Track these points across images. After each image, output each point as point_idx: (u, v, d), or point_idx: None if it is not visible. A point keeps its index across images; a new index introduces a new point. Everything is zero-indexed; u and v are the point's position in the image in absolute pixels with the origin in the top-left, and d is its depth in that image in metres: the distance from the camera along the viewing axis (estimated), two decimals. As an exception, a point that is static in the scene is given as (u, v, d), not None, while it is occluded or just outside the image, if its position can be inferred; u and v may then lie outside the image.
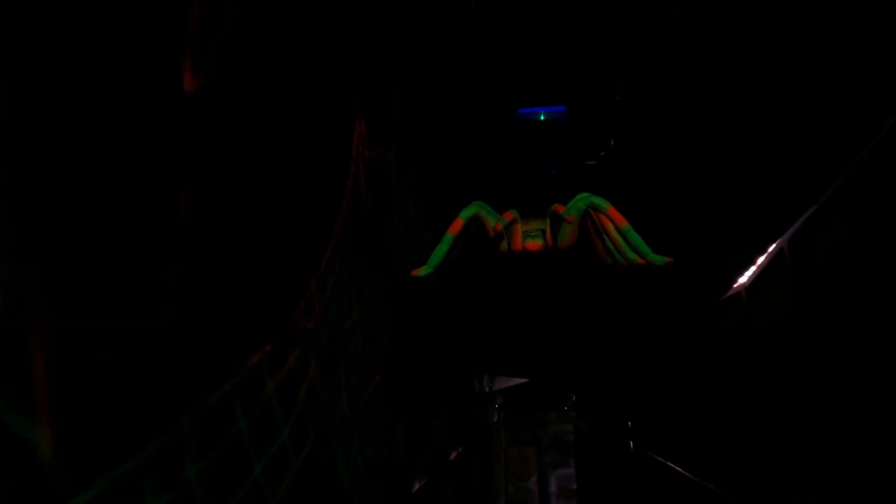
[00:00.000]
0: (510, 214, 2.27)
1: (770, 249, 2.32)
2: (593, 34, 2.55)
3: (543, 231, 2.32)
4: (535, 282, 2.68)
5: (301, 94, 1.91)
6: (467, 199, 2.42)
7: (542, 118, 2.73)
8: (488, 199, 2.40)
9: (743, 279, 2.52)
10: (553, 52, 2.60)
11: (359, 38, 2.26)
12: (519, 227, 2.30)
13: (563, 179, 2.85)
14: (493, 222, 2.31)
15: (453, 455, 3.41)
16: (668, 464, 3.04)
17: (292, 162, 1.83)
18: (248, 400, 1.45)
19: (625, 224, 2.24)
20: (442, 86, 2.70)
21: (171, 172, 1.29)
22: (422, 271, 2.21)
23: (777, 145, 2.43)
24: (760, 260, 2.39)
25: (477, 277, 2.59)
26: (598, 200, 2.26)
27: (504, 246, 2.34)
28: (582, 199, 2.27)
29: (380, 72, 2.47)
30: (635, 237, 2.22)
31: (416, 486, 2.66)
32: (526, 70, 2.58)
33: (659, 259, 2.17)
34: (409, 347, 2.68)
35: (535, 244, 2.30)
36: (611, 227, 2.27)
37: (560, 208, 2.20)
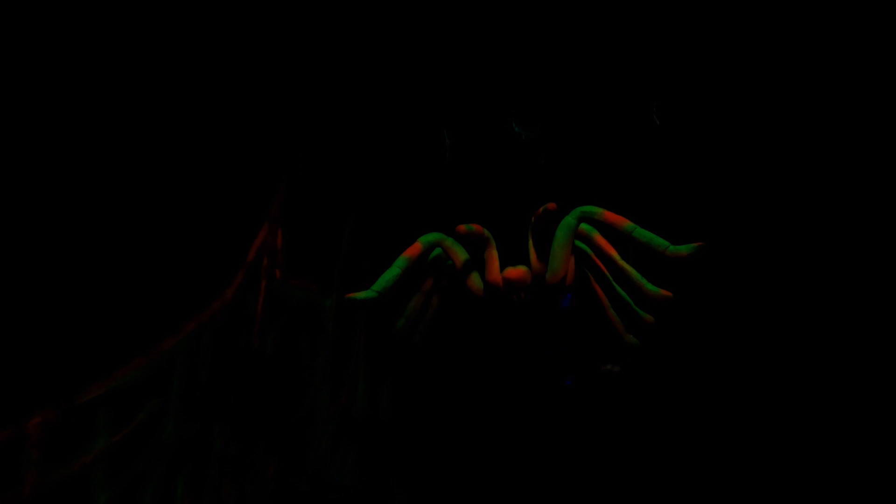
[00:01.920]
0: (480, 228, 1.92)
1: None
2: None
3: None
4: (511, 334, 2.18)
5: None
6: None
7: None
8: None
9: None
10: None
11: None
12: (495, 253, 1.95)
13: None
14: (461, 255, 1.99)
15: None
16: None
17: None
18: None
19: (627, 223, 1.94)
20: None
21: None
22: (361, 295, 1.93)
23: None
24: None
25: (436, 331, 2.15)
26: (590, 208, 1.98)
27: (475, 281, 1.98)
28: (571, 214, 1.98)
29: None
30: (644, 233, 1.91)
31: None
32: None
33: (685, 248, 1.85)
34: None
35: (516, 271, 1.94)
36: (615, 255, 1.98)
37: (551, 207, 1.84)
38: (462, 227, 1.91)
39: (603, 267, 2.04)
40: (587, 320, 2.18)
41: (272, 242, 2.36)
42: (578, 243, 2.04)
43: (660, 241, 1.90)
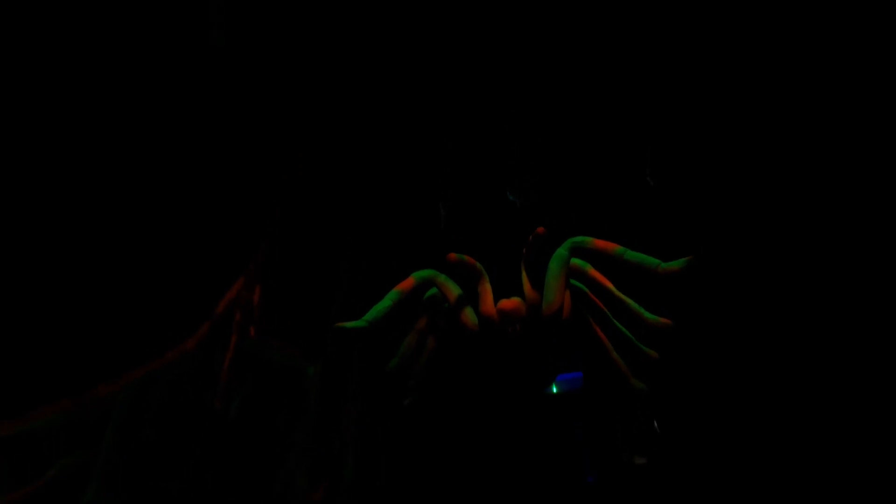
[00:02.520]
0: (472, 260, 1.96)
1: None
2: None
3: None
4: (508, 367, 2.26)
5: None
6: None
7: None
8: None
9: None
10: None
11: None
12: (488, 286, 1.98)
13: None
14: (454, 290, 2.00)
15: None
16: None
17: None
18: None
19: (617, 247, 2.02)
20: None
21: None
22: (350, 324, 1.86)
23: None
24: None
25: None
26: (580, 238, 2.06)
27: (469, 316, 1.98)
28: (563, 246, 2.03)
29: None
30: (635, 255, 1.98)
31: None
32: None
33: (677, 264, 1.91)
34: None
35: (511, 302, 1.98)
36: (611, 286, 2.03)
37: (540, 231, 1.92)
38: (453, 255, 1.93)
39: (600, 303, 2.08)
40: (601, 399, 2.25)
41: (247, 297, 2.02)
42: (574, 282, 2.08)
43: (651, 260, 1.96)
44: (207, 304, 1.98)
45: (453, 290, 2.00)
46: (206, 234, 2.03)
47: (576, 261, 2.04)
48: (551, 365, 2.22)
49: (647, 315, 2.00)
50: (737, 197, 2.35)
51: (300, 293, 2.14)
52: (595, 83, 2.38)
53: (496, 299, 1.98)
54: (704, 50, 2.33)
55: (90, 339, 1.75)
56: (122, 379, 1.68)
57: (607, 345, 2.06)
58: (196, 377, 1.84)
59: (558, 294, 1.98)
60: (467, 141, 2.36)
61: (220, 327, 1.95)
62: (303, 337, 2.08)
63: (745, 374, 2.28)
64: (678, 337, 2.06)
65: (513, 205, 2.29)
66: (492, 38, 2.40)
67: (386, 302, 1.96)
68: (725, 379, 2.27)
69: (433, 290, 2.06)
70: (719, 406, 2.28)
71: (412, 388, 2.01)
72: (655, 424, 2.26)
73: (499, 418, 2.26)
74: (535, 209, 2.31)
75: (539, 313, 2.00)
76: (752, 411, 2.21)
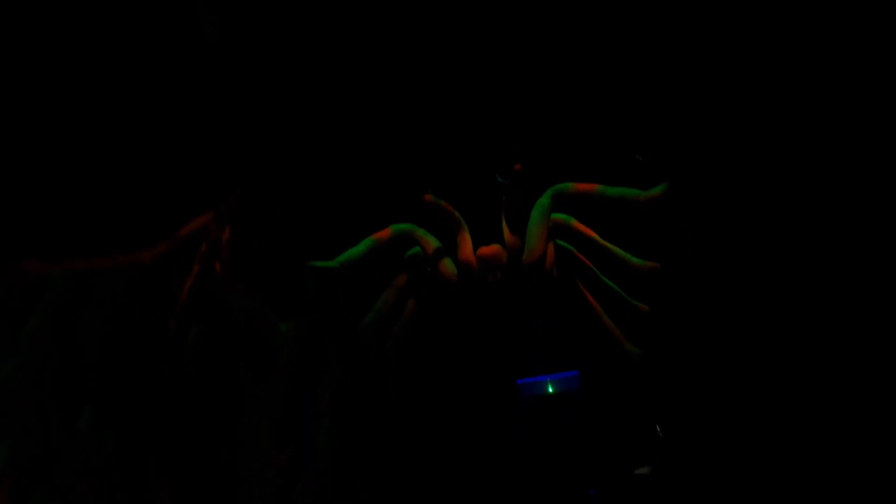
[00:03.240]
0: (450, 207, 1.95)
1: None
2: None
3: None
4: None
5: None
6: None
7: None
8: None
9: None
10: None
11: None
12: (467, 236, 1.96)
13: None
14: (432, 243, 1.98)
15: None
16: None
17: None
18: None
19: (597, 186, 2.01)
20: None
21: None
22: (321, 263, 1.79)
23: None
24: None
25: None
26: (561, 185, 2.04)
27: (447, 266, 1.94)
28: (544, 195, 2.02)
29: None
30: (615, 189, 1.99)
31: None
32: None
33: (657, 190, 1.96)
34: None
35: (490, 249, 1.94)
36: (595, 236, 2.03)
37: (517, 168, 1.93)
38: (429, 196, 1.92)
39: (587, 261, 2.05)
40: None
41: (216, 233, 1.69)
42: (560, 242, 2.05)
43: (632, 192, 1.97)
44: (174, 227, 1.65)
45: (432, 243, 1.97)
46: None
47: (559, 215, 2.01)
48: (533, 325, 2.15)
49: (634, 260, 1.99)
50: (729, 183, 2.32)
51: (274, 250, 1.87)
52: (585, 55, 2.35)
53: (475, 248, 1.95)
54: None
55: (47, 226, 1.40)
56: (59, 263, 1.30)
57: (598, 309, 2.03)
58: (149, 294, 1.46)
59: (540, 241, 1.95)
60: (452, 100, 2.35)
61: (182, 252, 1.60)
62: (272, 291, 1.77)
63: (744, 371, 2.19)
64: (665, 282, 2.05)
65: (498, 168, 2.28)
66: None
67: (360, 247, 1.93)
68: (723, 376, 2.17)
69: (416, 250, 2.02)
70: (718, 404, 2.17)
71: (390, 350, 1.89)
72: (658, 430, 2.15)
73: (477, 403, 2.13)
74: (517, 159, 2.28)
75: (520, 260, 1.96)
76: (750, 408, 2.13)
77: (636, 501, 2.06)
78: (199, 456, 1.29)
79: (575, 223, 2.03)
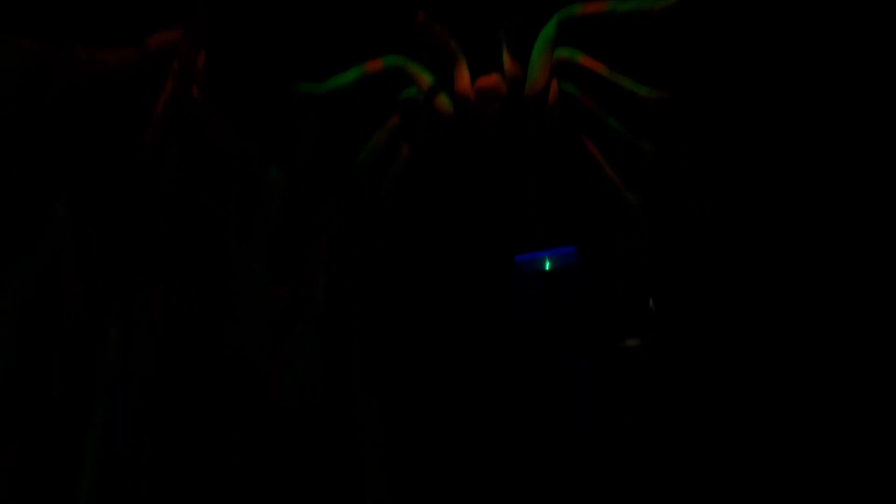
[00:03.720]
0: (446, 37, 1.74)
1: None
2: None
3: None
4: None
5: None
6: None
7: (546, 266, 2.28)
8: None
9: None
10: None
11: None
12: (465, 69, 1.78)
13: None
14: (427, 78, 1.79)
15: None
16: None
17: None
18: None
19: (606, 3, 1.83)
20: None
21: None
22: (306, 86, 1.62)
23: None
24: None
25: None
26: (566, 10, 1.84)
27: (443, 102, 1.77)
28: (549, 25, 1.83)
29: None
30: (627, 4, 1.81)
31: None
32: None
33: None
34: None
35: (489, 78, 1.77)
36: (602, 69, 1.87)
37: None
38: (422, 15, 1.68)
39: (592, 103, 1.90)
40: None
41: (189, 55, 1.44)
42: (566, 85, 1.89)
43: (646, 1, 1.80)
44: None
45: (426, 78, 1.80)
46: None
47: (566, 51, 1.85)
48: (533, 184, 2.08)
49: (643, 90, 1.85)
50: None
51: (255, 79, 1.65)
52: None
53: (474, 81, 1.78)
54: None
55: None
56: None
57: (602, 162, 1.87)
58: (117, 103, 1.22)
59: (543, 73, 1.82)
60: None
61: (152, 65, 1.36)
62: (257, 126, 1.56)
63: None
64: (674, 111, 2.02)
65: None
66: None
67: (348, 76, 1.76)
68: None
69: (410, 91, 1.83)
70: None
71: (385, 192, 1.73)
72: (651, 303, 2.14)
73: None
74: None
75: (521, 92, 1.83)
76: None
77: (627, 374, 2.06)
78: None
79: (581, 58, 1.89)
